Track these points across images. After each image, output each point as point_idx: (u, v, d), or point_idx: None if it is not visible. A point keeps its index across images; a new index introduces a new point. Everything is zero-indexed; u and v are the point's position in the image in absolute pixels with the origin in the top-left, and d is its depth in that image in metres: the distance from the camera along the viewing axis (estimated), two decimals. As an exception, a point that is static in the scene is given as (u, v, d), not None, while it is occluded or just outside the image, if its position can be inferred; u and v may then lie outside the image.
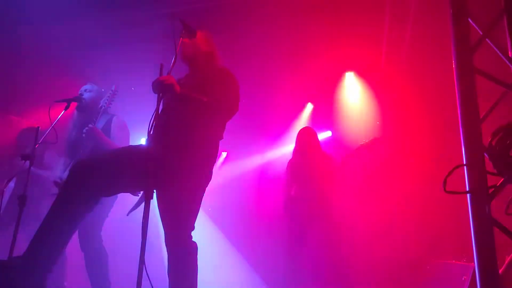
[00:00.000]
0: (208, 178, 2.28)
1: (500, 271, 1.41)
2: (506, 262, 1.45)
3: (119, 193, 2.22)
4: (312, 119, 5.62)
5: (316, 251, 4.14)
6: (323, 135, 5.41)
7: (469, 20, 1.64)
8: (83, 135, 3.01)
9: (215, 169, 2.39)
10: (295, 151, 4.13)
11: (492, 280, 1.36)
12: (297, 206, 3.88)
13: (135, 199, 2.33)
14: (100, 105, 3.16)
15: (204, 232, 4.28)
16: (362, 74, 5.18)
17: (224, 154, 5.88)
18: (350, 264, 3.72)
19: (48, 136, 2.78)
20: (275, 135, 5.79)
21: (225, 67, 2.43)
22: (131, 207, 2.28)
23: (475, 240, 1.43)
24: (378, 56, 4.72)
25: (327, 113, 5.56)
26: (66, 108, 2.98)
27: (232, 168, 5.60)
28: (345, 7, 4.08)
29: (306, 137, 4.05)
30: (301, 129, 4.15)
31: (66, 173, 3.02)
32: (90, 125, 3.02)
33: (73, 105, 3.15)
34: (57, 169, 3.26)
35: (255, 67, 4.73)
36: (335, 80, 5.37)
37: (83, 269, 3.13)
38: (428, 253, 3.98)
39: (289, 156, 4.31)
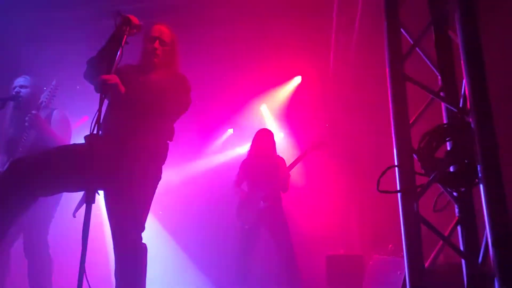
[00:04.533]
0: (158, 178, 2.27)
1: (426, 265, 1.52)
2: (431, 256, 1.56)
3: (58, 193, 2.13)
4: (265, 120, 5.72)
5: (267, 251, 4.20)
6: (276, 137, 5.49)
7: (402, 30, 1.75)
8: (26, 123, 2.88)
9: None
10: (250, 152, 4.15)
11: (418, 273, 1.47)
12: (249, 206, 3.92)
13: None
14: (41, 101, 3.02)
15: (153, 234, 4.20)
16: (312, 78, 5.34)
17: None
18: (298, 264, 3.81)
19: None
20: (226, 137, 5.83)
21: (183, 74, 2.43)
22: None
23: (404, 236, 1.53)
24: (327, 61, 4.90)
25: (279, 114, 5.67)
26: (1, 108, 2.84)
27: (182, 170, 5.52)
28: (295, 13, 4.19)
29: (263, 138, 4.08)
30: (258, 131, 4.18)
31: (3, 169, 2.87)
32: (33, 112, 2.89)
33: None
34: None
35: (203, 68, 4.71)
36: (286, 83, 5.50)
37: (24, 277, 2.98)
38: (372, 250, 4.17)
39: (242, 157, 4.33)
